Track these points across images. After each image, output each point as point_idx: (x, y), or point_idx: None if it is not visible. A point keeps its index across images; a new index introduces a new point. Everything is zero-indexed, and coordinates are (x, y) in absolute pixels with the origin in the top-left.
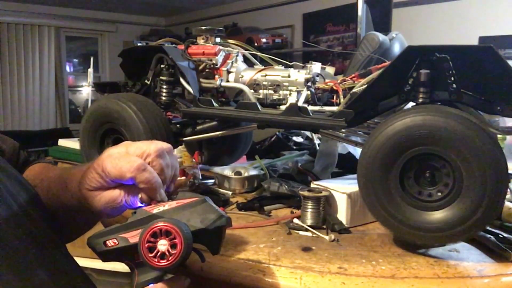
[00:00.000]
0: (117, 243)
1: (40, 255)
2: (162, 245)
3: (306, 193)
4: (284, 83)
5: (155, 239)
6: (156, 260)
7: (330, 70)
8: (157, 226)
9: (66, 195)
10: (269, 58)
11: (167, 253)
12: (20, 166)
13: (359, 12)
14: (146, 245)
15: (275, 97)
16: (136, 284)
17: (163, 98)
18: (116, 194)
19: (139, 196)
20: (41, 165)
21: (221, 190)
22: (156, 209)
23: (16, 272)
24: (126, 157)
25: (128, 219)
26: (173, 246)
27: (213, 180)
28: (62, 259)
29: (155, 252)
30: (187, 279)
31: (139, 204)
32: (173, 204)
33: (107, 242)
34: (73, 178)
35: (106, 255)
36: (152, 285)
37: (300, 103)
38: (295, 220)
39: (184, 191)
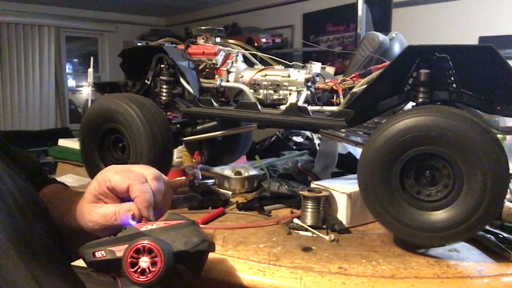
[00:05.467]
0: (105, 255)
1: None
2: (144, 261)
3: (306, 193)
4: (284, 83)
5: (138, 255)
6: (136, 275)
7: (330, 70)
8: (141, 244)
9: (68, 215)
10: (269, 58)
11: (147, 270)
12: (37, 184)
13: (359, 12)
14: (129, 260)
15: (275, 97)
16: None
17: (163, 98)
18: (109, 210)
19: (131, 212)
20: (58, 186)
21: (221, 190)
22: (144, 227)
23: None
24: (129, 170)
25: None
26: (153, 264)
27: (213, 180)
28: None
29: (136, 267)
30: None
31: (131, 222)
32: (161, 224)
33: (96, 253)
34: (78, 199)
35: (94, 265)
36: None
37: (300, 103)
38: (295, 220)
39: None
